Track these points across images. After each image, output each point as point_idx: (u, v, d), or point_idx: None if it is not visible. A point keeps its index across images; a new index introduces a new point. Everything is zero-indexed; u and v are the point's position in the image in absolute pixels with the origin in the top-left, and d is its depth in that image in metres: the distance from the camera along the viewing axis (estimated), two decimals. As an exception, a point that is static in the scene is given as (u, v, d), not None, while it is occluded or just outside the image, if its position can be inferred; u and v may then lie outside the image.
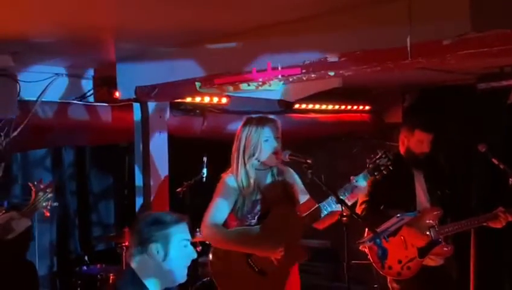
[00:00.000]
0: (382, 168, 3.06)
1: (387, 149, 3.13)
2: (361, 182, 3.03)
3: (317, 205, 3.06)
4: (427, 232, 3.53)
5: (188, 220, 2.28)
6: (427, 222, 3.54)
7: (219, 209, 3.01)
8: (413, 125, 3.73)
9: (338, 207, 2.97)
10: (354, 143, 6.26)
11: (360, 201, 3.70)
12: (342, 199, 2.85)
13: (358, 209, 3.63)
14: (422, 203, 3.61)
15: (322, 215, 3.03)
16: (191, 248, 2.26)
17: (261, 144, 3.03)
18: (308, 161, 2.87)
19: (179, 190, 4.17)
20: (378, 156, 3.07)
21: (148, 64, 3.96)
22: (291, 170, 3.21)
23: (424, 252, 3.53)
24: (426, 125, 3.67)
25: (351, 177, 3.05)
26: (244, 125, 3.10)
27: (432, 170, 3.68)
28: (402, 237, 3.51)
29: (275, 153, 3.04)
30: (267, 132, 3.05)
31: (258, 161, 3.06)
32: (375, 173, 3.06)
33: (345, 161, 6.35)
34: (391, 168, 3.05)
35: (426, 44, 2.65)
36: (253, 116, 3.12)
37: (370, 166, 3.06)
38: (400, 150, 3.77)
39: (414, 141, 3.68)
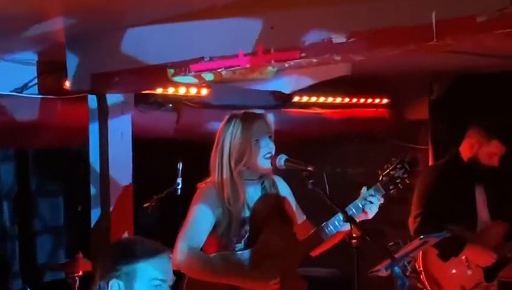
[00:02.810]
0: (398, 181, 3.08)
1: (404, 156, 3.17)
2: (374, 198, 3.05)
3: (316, 228, 3.06)
4: (492, 251, 3.62)
5: (169, 253, 2.24)
6: (492, 239, 3.62)
7: (196, 230, 3.00)
8: (493, 132, 3.83)
9: (345, 226, 2.99)
10: (369, 146, 6.29)
11: (413, 213, 3.82)
12: (351, 217, 2.87)
13: (412, 223, 3.78)
14: (484, 218, 3.72)
15: (327, 237, 3.05)
16: None
17: (250, 146, 3.03)
18: (309, 169, 2.89)
19: (146, 205, 4.17)
20: (392, 166, 3.10)
21: (107, 46, 3.95)
22: (283, 181, 3.23)
23: (492, 274, 3.62)
24: (504, 136, 3.76)
25: (362, 189, 3.08)
26: (228, 122, 3.11)
27: (494, 182, 3.81)
28: (464, 257, 3.59)
29: (268, 156, 3.05)
30: (257, 130, 3.06)
31: (248, 168, 3.05)
32: (390, 187, 3.08)
33: (357, 169, 6.38)
34: (408, 182, 3.10)
35: (456, 21, 2.65)
36: (239, 112, 3.14)
37: (383, 179, 3.09)
38: (463, 155, 3.85)
39: (487, 152, 3.79)
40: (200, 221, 3.02)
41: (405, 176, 3.09)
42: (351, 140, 6.28)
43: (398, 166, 3.10)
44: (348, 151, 6.42)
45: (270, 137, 3.10)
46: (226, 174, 3.04)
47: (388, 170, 3.10)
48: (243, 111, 3.15)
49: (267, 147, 3.07)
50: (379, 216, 2.98)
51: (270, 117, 3.15)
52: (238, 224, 3.03)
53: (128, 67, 3.83)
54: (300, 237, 3.12)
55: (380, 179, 3.10)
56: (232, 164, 3.04)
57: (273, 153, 3.08)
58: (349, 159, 6.47)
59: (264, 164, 3.06)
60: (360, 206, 3.06)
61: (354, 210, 3.04)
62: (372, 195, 3.07)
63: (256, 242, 3.03)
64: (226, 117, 3.15)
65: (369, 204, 3.05)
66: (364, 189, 3.09)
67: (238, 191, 3.04)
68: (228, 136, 3.07)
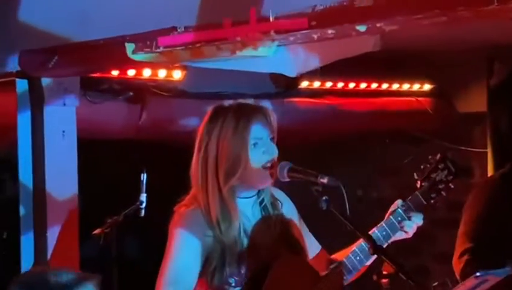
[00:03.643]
0: (441, 186, 3.14)
1: (444, 153, 3.21)
2: (413, 213, 3.10)
3: (336, 264, 3.08)
4: None
5: (96, 281, 2.27)
6: None
7: (182, 273, 3.01)
8: None
9: (371, 259, 3.03)
10: (405, 149, 6.30)
11: (460, 248, 3.86)
12: (380, 247, 2.87)
13: (456, 263, 3.78)
14: None
15: (350, 275, 3.08)
16: None
17: (247, 153, 3.04)
18: (322, 181, 2.89)
19: (97, 231, 4.16)
20: (432, 167, 3.15)
21: (41, 11, 3.96)
22: (285, 196, 3.26)
23: None
24: None
25: (395, 203, 3.13)
26: (213, 118, 3.09)
27: None
28: None
29: (271, 166, 3.05)
30: (256, 130, 3.06)
31: (242, 182, 3.07)
32: (432, 196, 3.13)
33: (390, 179, 6.39)
34: (452, 186, 3.15)
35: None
36: (228, 102, 3.13)
37: (423, 184, 3.14)
38: None
39: None
40: (186, 261, 3.01)
41: (449, 178, 3.15)
42: (380, 141, 6.29)
43: (440, 166, 3.16)
44: (376, 157, 6.44)
45: (272, 139, 3.10)
46: (213, 191, 3.04)
47: (428, 172, 3.15)
48: (235, 102, 3.13)
49: (269, 153, 3.07)
50: (421, 245, 2.97)
51: (272, 110, 3.14)
52: (234, 259, 3.02)
53: (71, 42, 3.83)
54: None
55: (419, 185, 3.16)
56: (221, 178, 3.03)
57: (276, 160, 3.07)
58: (377, 167, 6.48)
59: (265, 176, 3.06)
60: (396, 223, 3.12)
61: (388, 230, 3.11)
62: (410, 208, 3.13)
63: (261, 286, 2.99)
64: (210, 110, 3.13)
65: (408, 221, 3.12)
66: (399, 202, 3.15)
67: (230, 215, 3.03)
68: (214, 139, 3.04)
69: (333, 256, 3.20)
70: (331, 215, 2.87)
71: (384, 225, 3.12)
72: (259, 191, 3.15)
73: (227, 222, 3.03)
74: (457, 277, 3.95)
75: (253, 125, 3.06)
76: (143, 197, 4.21)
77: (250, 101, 3.17)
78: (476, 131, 6.24)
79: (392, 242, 3.15)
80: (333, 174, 2.93)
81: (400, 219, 3.12)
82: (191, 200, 3.09)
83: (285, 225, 3.18)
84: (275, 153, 3.08)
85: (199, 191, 3.07)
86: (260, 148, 3.06)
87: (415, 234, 3.17)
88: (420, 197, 3.15)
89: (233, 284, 3.01)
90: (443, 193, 3.16)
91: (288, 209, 3.24)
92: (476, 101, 6.04)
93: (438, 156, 3.19)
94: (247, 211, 3.12)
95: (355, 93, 5.89)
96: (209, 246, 3.02)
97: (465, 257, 3.77)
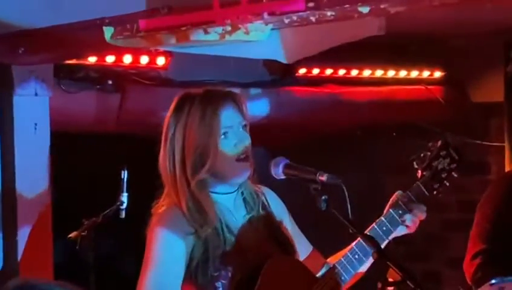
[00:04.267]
0: (444, 175, 3.16)
1: (445, 139, 3.23)
2: (415, 205, 3.12)
3: (329, 268, 3.09)
4: None
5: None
6: None
7: (164, 279, 3.02)
8: None
9: (370, 261, 3.05)
10: (413, 142, 6.29)
11: (472, 250, 3.87)
12: (384, 253, 2.88)
13: (468, 266, 3.78)
14: None
15: (349, 275, 3.10)
16: None
17: (216, 143, 3.06)
18: (322, 178, 2.90)
19: (73, 235, 4.17)
20: (434, 154, 3.16)
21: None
22: (273, 194, 3.28)
23: None
24: None
25: (395, 195, 3.14)
26: (179, 106, 3.12)
27: None
28: None
29: (245, 157, 3.07)
30: (225, 117, 3.08)
31: (214, 177, 3.09)
32: (435, 186, 3.16)
33: (396, 177, 6.39)
34: (456, 175, 3.17)
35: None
36: (195, 90, 3.15)
37: (424, 173, 3.16)
38: None
39: None
40: (169, 264, 3.02)
41: (452, 166, 3.17)
42: (387, 134, 6.29)
43: (442, 153, 3.17)
44: (381, 152, 6.44)
45: (245, 127, 3.12)
46: (181, 185, 3.06)
47: (429, 160, 3.17)
48: (202, 89, 3.15)
49: (242, 142, 3.09)
50: (432, 249, 2.98)
51: (242, 96, 3.18)
52: (218, 255, 3.04)
53: (44, 25, 3.82)
54: None
55: (420, 174, 3.19)
56: (189, 171, 3.05)
57: (250, 150, 3.08)
58: (383, 164, 6.48)
59: (237, 169, 3.08)
60: (397, 217, 3.13)
61: (388, 225, 3.13)
62: (411, 200, 3.15)
63: (253, 286, 3.01)
64: (176, 98, 3.15)
65: (409, 214, 3.13)
66: (399, 193, 3.18)
67: (203, 209, 3.05)
68: (180, 128, 3.07)
69: (328, 259, 3.21)
70: (330, 217, 2.87)
71: (383, 219, 3.13)
72: (239, 187, 3.16)
73: (202, 217, 3.04)
74: (469, 283, 3.95)
75: (221, 112, 3.08)
76: (124, 196, 4.22)
77: (220, 87, 3.23)
78: (492, 123, 6.25)
79: (400, 246, 3.16)
80: (334, 172, 2.93)
81: (400, 212, 3.14)
82: (166, 199, 3.11)
83: (274, 224, 3.20)
84: (247, 142, 3.10)
85: (169, 186, 3.10)
86: (231, 138, 3.08)
87: (425, 237, 3.19)
88: (422, 187, 3.16)
89: (218, 285, 3.03)
90: (446, 182, 3.18)
91: (278, 208, 3.26)
92: (491, 90, 6.05)
93: (439, 142, 3.20)
94: (229, 207, 3.14)
95: (358, 81, 5.90)
96: (192, 244, 3.04)
97: (477, 260, 3.77)
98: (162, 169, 3.13)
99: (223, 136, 3.06)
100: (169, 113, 3.14)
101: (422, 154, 3.21)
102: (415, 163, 3.20)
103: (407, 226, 3.15)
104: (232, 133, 3.07)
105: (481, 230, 3.99)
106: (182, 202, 3.06)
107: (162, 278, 3.01)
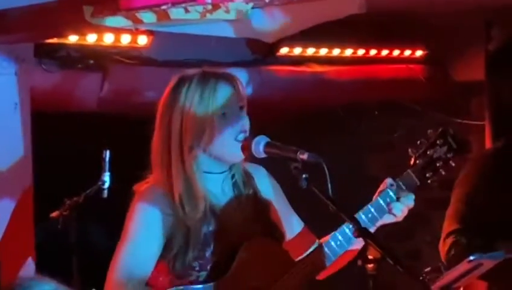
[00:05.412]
0: (439, 163, 3.12)
1: (446, 127, 3.18)
2: (405, 193, 3.10)
3: (318, 243, 3.09)
4: None
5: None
6: None
7: (139, 253, 3.02)
8: None
9: (357, 243, 3.03)
10: (395, 121, 6.31)
11: (447, 229, 3.88)
12: (364, 229, 2.87)
13: (443, 246, 3.79)
14: None
15: (329, 261, 3.08)
16: None
17: (213, 122, 3.05)
18: (302, 157, 2.89)
19: (54, 214, 4.16)
20: (430, 142, 3.12)
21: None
22: (265, 172, 3.27)
23: None
24: None
25: (385, 181, 3.11)
26: (177, 87, 3.10)
27: None
28: None
29: (242, 137, 3.07)
30: (224, 99, 3.08)
31: (209, 155, 3.08)
32: (427, 175, 3.12)
33: (379, 156, 6.41)
34: (453, 164, 3.12)
35: None
36: (192, 71, 3.12)
37: (418, 161, 3.11)
38: None
39: None
40: (144, 239, 3.02)
41: (449, 155, 3.13)
42: (368, 112, 6.30)
43: (439, 141, 3.13)
44: (363, 130, 6.44)
45: (242, 108, 3.11)
46: (176, 167, 3.04)
47: (425, 147, 3.13)
48: (199, 70, 3.12)
49: (240, 123, 3.08)
50: (413, 227, 2.97)
51: (241, 78, 3.14)
52: (199, 242, 3.03)
53: (23, 4, 3.79)
54: (297, 255, 3.12)
55: (413, 162, 3.13)
56: (185, 148, 3.05)
57: (248, 132, 3.08)
58: (365, 142, 6.49)
59: (235, 149, 3.06)
60: (384, 205, 3.10)
61: (374, 213, 3.09)
62: (401, 188, 3.11)
63: (228, 269, 3.02)
64: (174, 80, 3.12)
65: (397, 202, 3.10)
66: (388, 181, 3.13)
67: (194, 191, 3.04)
68: (178, 109, 3.05)
69: (322, 240, 3.21)
70: (313, 196, 2.86)
71: (370, 207, 3.10)
72: (230, 167, 3.15)
73: (192, 203, 3.04)
74: (443, 259, 3.96)
75: (220, 93, 3.07)
76: (106, 176, 4.20)
77: (218, 69, 3.18)
78: (473, 101, 6.26)
79: (381, 225, 3.15)
80: (315, 150, 2.92)
81: (388, 200, 3.10)
82: (151, 180, 3.10)
83: (260, 205, 3.19)
84: (246, 123, 3.10)
85: (161, 169, 3.08)
86: (230, 118, 3.07)
87: (406, 215, 3.18)
88: (413, 175, 3.12)
89: (197, 269, 3.02)
90: (442, 171, 3.13)
91: (267, 187, 3.25)
92: (473, 69, 6.05)
93: (440, 130, 3.16)
94: (215, 189, 3.13)
95: (340, 60, 5.86)
96: (171, 226, 3.03)
97: (450, 239, 3.78)
98: (154, 154, 3.10)
99: (221, 116, 3.05)
100: (164, 96, 3.11)
101: (418, 142, 3.15)
102: (409, 150, 3.14)
103: (394, 215, 3.11)
104: (230, 114, 3.06)
105: (456, 210, 4.00)
106: (175, 184, 3.04)
107: (136, 252, 3.01)
